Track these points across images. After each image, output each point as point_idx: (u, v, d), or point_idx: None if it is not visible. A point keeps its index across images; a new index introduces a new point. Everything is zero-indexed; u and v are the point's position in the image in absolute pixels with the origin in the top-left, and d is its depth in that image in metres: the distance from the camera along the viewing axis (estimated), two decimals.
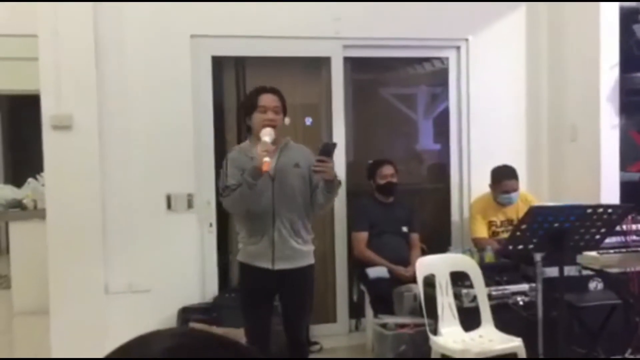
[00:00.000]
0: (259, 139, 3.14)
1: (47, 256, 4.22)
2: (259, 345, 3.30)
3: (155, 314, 4.46)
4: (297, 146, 3.42)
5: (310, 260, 3.34)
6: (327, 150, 3.11)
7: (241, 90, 4.86)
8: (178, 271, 4.50)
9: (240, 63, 4.86)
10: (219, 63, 4.72)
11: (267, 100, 3.26)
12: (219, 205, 4.67)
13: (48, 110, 4.19)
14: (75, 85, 4.21)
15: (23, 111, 4.75)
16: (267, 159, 2.99)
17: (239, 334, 4.18)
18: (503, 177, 4.62)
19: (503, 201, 4.64)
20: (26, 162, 5.07)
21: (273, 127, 3.18)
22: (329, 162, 3.10)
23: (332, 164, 3.14)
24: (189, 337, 0.83)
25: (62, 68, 4.17)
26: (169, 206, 4.51)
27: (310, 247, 3.34)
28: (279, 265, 3.23)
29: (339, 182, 3.27)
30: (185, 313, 4.40)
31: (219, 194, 3.26)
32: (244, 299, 3.43)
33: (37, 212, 4.83)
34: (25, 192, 5.09)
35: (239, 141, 4.82)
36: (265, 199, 3.20)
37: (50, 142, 4.21)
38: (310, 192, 3.29)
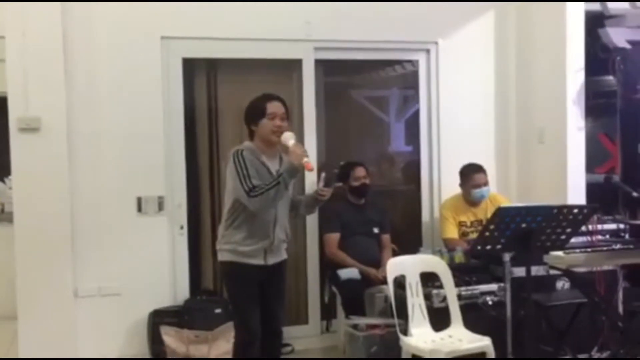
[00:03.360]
0: (267, 144, 3.36)
1: (15, 260, 4.17)
2: (255, 338, 3.36)
3: (125, 318, 4.43)
4: None
5: (286, 255, 3.58)
6: (331, 179, 3.44)
7: (212, 92, 4.85)
8: (149, 274, 4.47)
9: (211, 65, 4.85)
10: (190, 65, 4.70)
11: (275, 107, 3.39)
12: (190, 207, 4.67)
13: (15, 112, 4.13)
14: (43, 87, 4.16)
15: None
16: (306, 159, 3.22)
17: (210, 337, 4.19)
18: (472, 171, 4.70)
19: (475, 196, 4.69)
20: None
21: (280, 134, 3.34)
22: (331, 188, 3.43)
23: (332, 189, 3.44)
24: None
25: (30, 70, 4.12)
26: (139, 209, 4.48)
27: (286, 244, 3.57)
28: (271, 260, 3.42)
29: None
30: (156, 316, 4.37)
31: (246, 193, 3.19)
32: (239, 295, 3.41)
33: (4, 216, 4.79)
34: None
35: (210, 143, 4.84)
36: None
37: (18, 144, 4.16)
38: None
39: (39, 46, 4.15)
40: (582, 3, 4.57)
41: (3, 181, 5.06)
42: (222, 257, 3.41)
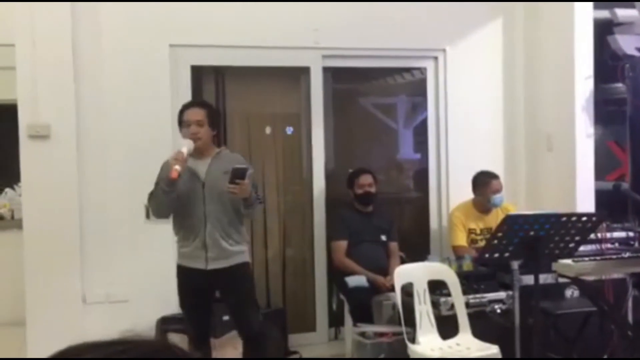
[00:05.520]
0: (194, 148, 3.42)
1: (24, 266, 4.19)
2: (200, 344, 3.45)
3: (133, 324, 4.40)
4: (231, 155, 3.64)
5: (243, 259, 3.54)
6: (237, 175, 3.30)
7: (221, 99, 4.86)
8: (156, 281, 4.46)
9: (219, 73, 4.86)
10: (198, 72, 4.72)
11: (188, 114, 3.50)
12: None
13: (25, 119, 4.16)
14: (52, 95, 4.19)
15: (0, 120, 4.70)
16: (177, 167, 3.23)
17: (217, 344, 4.19)
18: (490, 178, 4.68)
19: (495, 202, 4.65)
20: (3, 172, 5.02)
21: (197, 139, 3.40)
22: (242, 184, 3.29)
23: (246, 185, 3.31)
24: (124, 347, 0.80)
25: (40, 77, 4.15)
26: (147, 216, 4.48)
27: (242, 247, 3.53)
28: (212, 265, 3.44)
29: (259, 200, 3.49)
30: (164, 323, 4.37)
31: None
32: (183, 301, 3.63)
33: (14, 222, 4.80)
34: (2, 202, 5.07)
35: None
36: (197, 204, 3.42)
37: (28, 151, 4.18)
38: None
39: (48, 54, 4.17)
40: (591, 10, 4.56)
41: (13, 188, 5.08)
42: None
